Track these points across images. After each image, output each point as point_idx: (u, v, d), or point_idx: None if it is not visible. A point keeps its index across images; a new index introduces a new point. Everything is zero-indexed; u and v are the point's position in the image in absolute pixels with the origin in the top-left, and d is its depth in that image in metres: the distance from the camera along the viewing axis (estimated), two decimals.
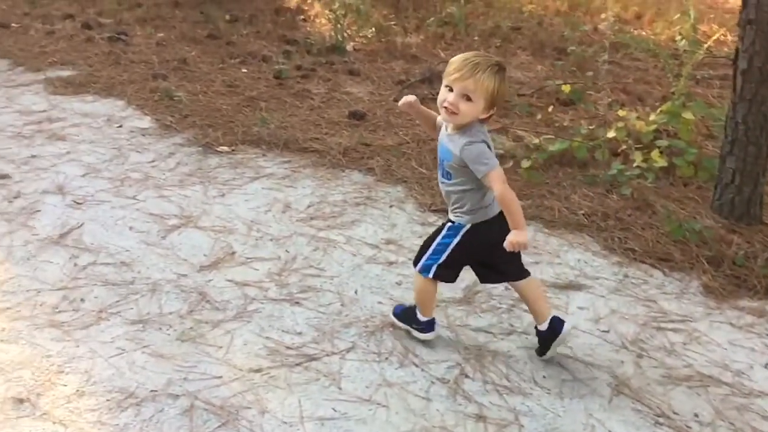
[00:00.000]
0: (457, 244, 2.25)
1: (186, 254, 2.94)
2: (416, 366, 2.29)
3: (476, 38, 6.26)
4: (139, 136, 4.12)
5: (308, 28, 6.69)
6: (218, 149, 3.98)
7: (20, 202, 3.30)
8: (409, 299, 2.54)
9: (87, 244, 2.97)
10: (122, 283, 2.71)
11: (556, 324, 2.27)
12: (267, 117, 4.36)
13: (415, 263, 2.35)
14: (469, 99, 2.08)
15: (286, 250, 2.99)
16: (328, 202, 3.42)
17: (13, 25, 6.21)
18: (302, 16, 7.00)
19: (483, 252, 2.29)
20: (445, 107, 2.10)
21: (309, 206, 3.38)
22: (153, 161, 3.81)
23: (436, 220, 3.12)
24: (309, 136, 4.15)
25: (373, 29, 6.27)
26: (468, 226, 2.23)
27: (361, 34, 6.25)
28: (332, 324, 2.49)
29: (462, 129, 2.15)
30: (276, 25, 6.63)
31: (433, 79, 4.89)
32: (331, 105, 4.72)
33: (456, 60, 2.12)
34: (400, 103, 2.35)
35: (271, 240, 3.08)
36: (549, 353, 2.32)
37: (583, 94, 4.72)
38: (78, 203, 3.31)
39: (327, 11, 6.72)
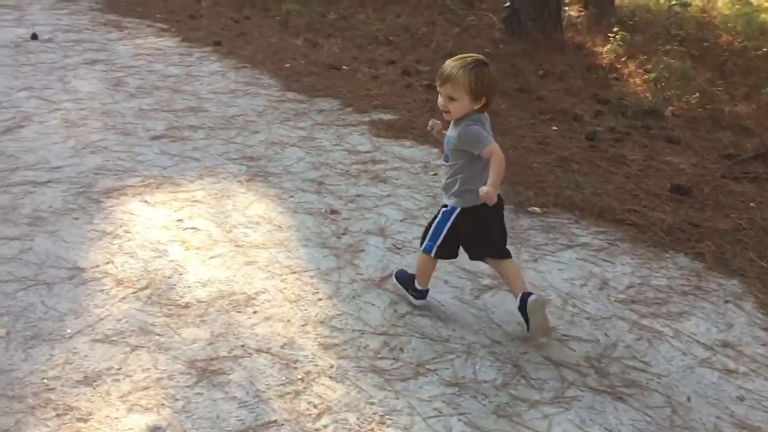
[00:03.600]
0: (449, 227, 2.72)
1: (499, 319, 2.87)
2: None
3: None
4: None
5: (621, 88, 6.42)
6: (529, 209, 3.90)
7: (347, 239, 3.52)
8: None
9: (404, 292, 3.05)
10: (438, 339, 2.72)
11: (525, 297, 2.63)
12: (580, 180, 4.20)
13: (421, 244, 2.83)
14: (453, 99, 2.55)
15: (606, 334, 2.78)
16: (651, 286, 3.14)
17: (343, 67, 6.83)
18: (615, 75, 6.74)
19: (472, 232, 2.73)
20: (441, 109, 2.62)
21: (629, 287, 3.14)
22: None
23: None
24: (626, 206, 3.90)
25: (697, 94, 5.80)
26: (458, 209, 2.68)
27: (682, 99, 5.82)
28: None
29: (459, 119, 2.60)
30: (587, 82, 6.46)
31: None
32: (649, 174, 4.41)
33: (441, 68, 2.59)
34: (429, 124, 2.87)
35: (588, 319, 2.89)
36: (531, 327, 2.65)
37: None
38: (397, 248, 3.45)
39: (643, 71, 6.39)
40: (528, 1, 7.49)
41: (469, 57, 2.58)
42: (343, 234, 3.57)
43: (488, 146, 2.53)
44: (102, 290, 2.96)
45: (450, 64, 2.56)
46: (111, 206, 3.74)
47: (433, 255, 2.80)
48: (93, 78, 6.15)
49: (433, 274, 2.94)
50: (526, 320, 2.67)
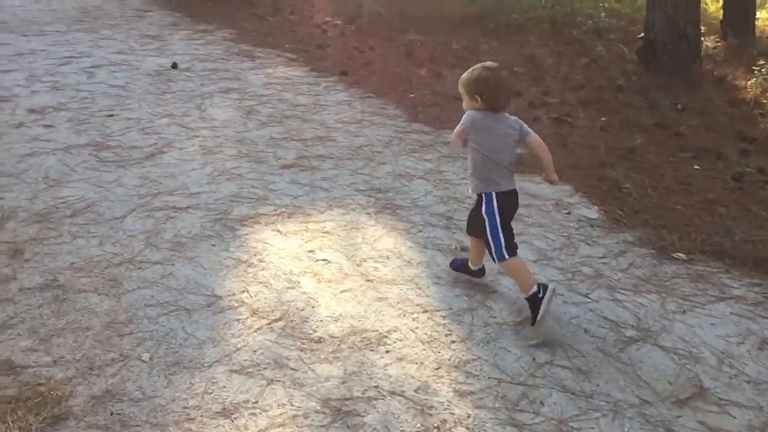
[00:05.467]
0: (495, 215, 3.00)
1: (647, 376, 2.67)
2: None
3: None
4: (588, 226, 4.02)
5: None
6: (674, 255, 3.65)
7: (479, 278, 3.41)
8: None
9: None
10: (581, 395, 2.56)
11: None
12: (730, 225, 3.90)
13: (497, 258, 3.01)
14: (461, 98, 3.03)
15: None
16: None
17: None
18: (760, 111, 6.29)
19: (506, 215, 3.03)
20: None
21: None
22: (603, 257, 3.65)
23: None
24: None
25: None
26: (492, 193, 3.00)
27: None
28: None
29: None
30: (730, 118, 6.06)
31: None
32: None
33: None
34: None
35: (749, 382, 2.64)
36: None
37: None
38: None
39: None
40: (665, 32, 7.15)
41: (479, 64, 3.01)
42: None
43: (458, 126, 2.94)
44: (238, 319, 3.01)
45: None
46: (246, 234, 3.82)
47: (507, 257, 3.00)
48: (227, 106, 6.40)
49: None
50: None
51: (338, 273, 3.42)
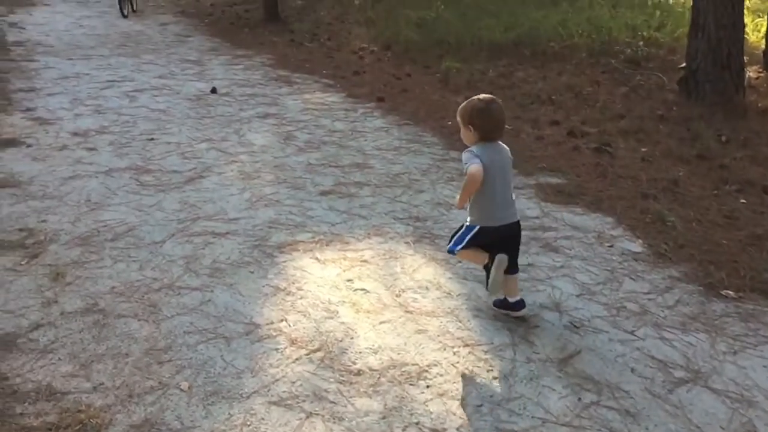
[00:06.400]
0: (470, 238, 3.16)
1: (699, 420, 2.57)
2: None
3: None
4: (632, 260, 3.92)
5: None
6: (723, 293, 3.54)
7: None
8: None
9: (588, 377, 2.82)
10: None
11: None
12: None
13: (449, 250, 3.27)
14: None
15: None
16: None
17: (506, 126, 6.71)
18: None
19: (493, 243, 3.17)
20: None
21: None
22: (648, 293, 3.55)
23: None
24: None
25: None
26: (476, 227, 3.15)
27: None
28: None
29: (467, 147, 3.14)
30: None
31: None
32: None
33: None
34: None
35: None
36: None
37: None
38: (576, 327, 3.22)
39: None
40: (708, 62, 7.04)
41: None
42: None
43: (468, 167, 2.99)
44: (276, 349, 2.98)
45: None
46: (284, 261, 3.81)
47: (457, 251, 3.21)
48: (265, 131, 6.45)
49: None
50: (487, 275, 3.21)
51: (377, 303, 3.39)
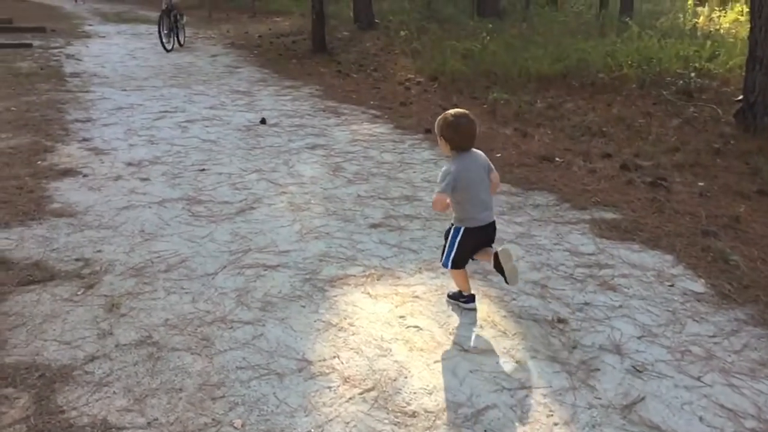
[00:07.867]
0: (457, 239, 3.48)
1: None
2: None
3: None
4: (694, 301, 3.78)
5: None
6: None
7: (579, 354, 3.24)
8: None
9: (654, 426, 2.70)
10: None
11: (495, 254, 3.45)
12: None
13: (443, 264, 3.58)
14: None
15: None
16: None
17: (556, 159, 6.62)
18: None
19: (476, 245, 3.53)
20: None
21: None
22: (714, 336, 3.41)
23: None
24: None
25: None
26: (462, 228, 3.47)
27: None
28: None
29: (448, 157, 3.51)
30: None
31: None
32: None
33: None
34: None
35: None
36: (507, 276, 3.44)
37: None
38: (638, 371, 3.10)
39: None
40: (766, 95, 6.86)
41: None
42: (574, 348, 3.29)
43: (437, 192, 3.38)
44: (329, 387, 2.93)
45: None
46: (335, 296, 3.77)
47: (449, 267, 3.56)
48: (314, 162, 6.48)
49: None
50: (501, 272, 3.42)
51: (430, 341, 3.32)
